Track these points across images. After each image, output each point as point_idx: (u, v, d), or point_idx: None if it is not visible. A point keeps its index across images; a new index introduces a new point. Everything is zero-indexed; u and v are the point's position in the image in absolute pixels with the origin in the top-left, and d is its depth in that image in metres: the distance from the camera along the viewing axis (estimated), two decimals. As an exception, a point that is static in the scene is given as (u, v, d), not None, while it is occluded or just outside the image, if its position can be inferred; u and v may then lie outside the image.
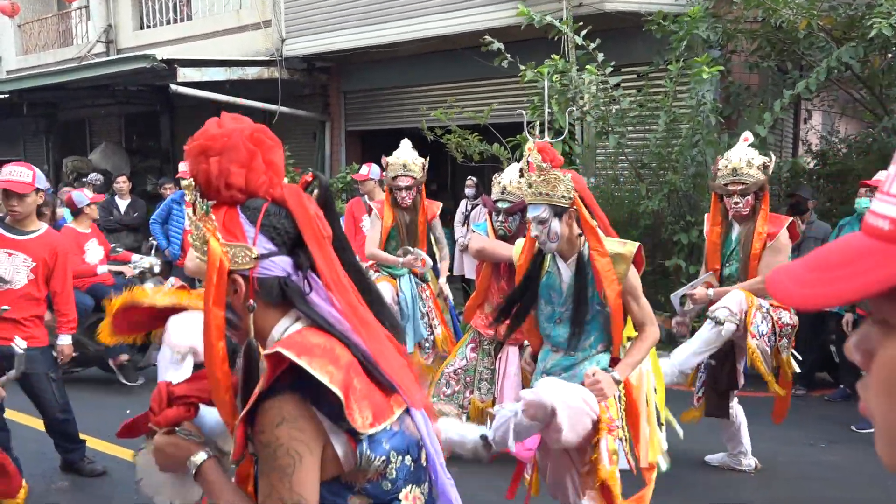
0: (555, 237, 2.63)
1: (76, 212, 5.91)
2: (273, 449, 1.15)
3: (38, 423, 4.80)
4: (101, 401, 5.43)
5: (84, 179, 9.57)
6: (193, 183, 1.25)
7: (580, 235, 2.69)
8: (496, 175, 4.27)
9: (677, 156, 6.35)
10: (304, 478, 1.15)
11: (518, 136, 6.43)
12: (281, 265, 1.24)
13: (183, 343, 2.36)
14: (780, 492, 3.94)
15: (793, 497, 3.92)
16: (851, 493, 3.89)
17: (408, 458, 1.27)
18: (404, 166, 4.56)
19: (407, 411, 1.30)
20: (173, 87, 8.72)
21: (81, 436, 4.21)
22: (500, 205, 4.03)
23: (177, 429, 1.36)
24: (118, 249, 6.59)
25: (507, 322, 2.91)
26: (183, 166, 6.67)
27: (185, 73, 8.76)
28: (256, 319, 1.25)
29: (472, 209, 8.30)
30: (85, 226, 5.92)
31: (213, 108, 11.36)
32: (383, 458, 1.21)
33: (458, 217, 8.47)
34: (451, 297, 5.01)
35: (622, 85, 6.61)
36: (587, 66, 6.30)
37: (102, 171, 11.19)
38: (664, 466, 2.86)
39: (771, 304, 3.70)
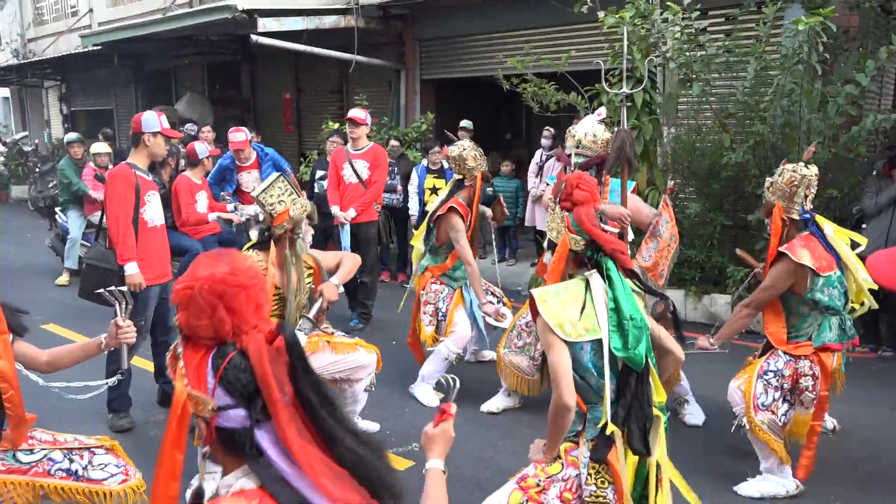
0: None
1: (194, 162, 6.17)
2: None
3: (138, 361, 5.15)
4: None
5: (181, 128, 9.92)
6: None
7: None
8: (570, 128, 4.20)
9: (767, 105, 6.04)
10: None
11: (597, 86, 6.27)
12: (235, 418, 1.25)
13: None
14: (859, 454, 3.85)
15: (871, 459, 3.83)
16: (937, 460, 3.77)
17: None
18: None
19: None
20: (254, 37, 8.87)
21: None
22: (574, 159, 3.97)
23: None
24: (226, 198, 6.86)
25: None
26: (234, 136, 6.67)
27: (264, 24, 8.88)
28: (221, 463, 1.30)
29: (547, 160, 8.19)
30: (199, 177, 6.19)
31: (292, 57, 11.54)
32: None
33: (532, 167, 8.38)
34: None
35: (709, 29, 6.29)
36: (669, 4, 6.01)
37: (188, 120, 11.60)
38: None
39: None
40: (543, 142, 8.32)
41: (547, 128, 8.31)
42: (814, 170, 3.37)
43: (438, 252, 4.62)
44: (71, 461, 2.57)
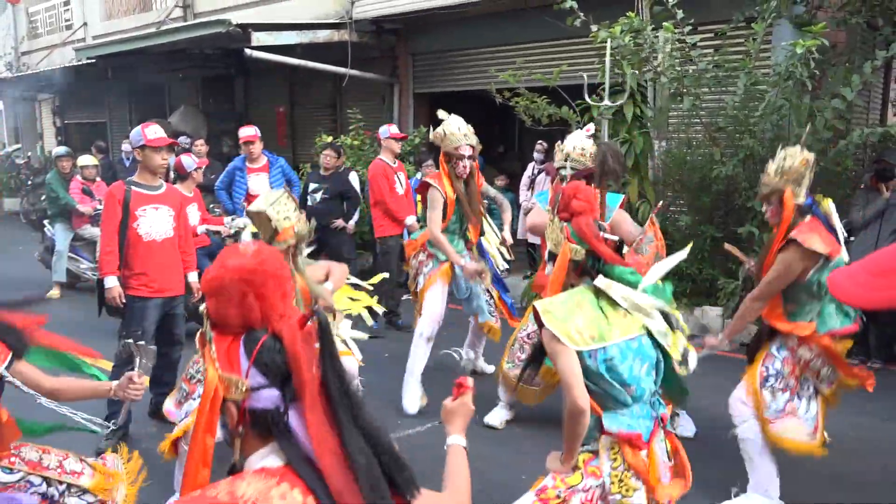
0: None
1: (183, 175, 6.18)
2: None
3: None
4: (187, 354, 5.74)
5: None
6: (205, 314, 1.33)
7: None
8: (559, 142, 4.25)
9: (758, 120, 6.11)
10: None
11: (577, 102, 6.33)
12: (269, 398, 1.28)
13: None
14: (848, 465, 3.87)
15: (860, 470, 3.85)
16: (926, 471, 3.79)
17: None
18: (465, 136, 4.57)
19: None
20: (247, 51, 8.91)
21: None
22: (563, 172, 4.02)
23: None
24: (216, 211, 6.86)
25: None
26: (244, 131, 6.84)
27: (258, 38, 8.93)
28: (242, 444, 1.32)
29: (539, 173, 8.25)
30: (189, 189, 6.19)
31: (286, 71, 11.59)
32: None
33: (524, 180, 8.44)
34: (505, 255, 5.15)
35: (698, 44, 6.38)
36: (664, 24, 6.10)
37: (182, 133, 11.62)
38: None
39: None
40: (536, 155, 8.38)
41: (540, 142, 8.37)
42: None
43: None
44: (49, 485, 2.55)
